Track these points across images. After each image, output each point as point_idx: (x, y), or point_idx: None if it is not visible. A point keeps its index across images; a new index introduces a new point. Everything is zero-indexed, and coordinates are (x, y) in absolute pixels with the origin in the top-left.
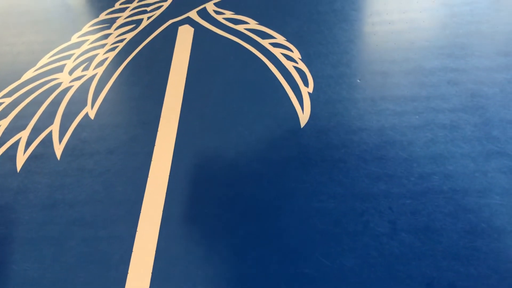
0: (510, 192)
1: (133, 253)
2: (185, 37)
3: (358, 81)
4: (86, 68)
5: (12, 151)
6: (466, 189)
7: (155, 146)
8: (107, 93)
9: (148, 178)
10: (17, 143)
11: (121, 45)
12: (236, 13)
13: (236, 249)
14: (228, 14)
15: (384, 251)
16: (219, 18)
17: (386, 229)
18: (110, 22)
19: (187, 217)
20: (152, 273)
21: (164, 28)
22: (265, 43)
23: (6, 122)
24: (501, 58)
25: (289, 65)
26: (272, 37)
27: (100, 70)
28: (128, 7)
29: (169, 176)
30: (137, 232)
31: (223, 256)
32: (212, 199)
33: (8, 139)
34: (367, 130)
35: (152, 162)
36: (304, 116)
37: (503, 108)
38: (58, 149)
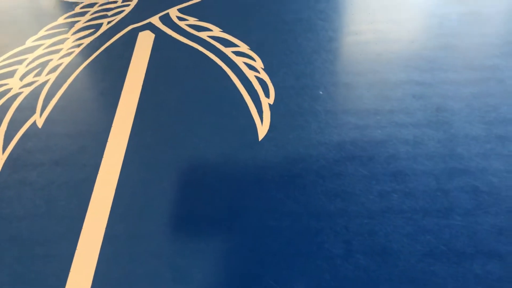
0: (471, 212)
1: (70, 274)
2: (145, 43)
3: (321, 93)
4: (38, 74)
5: None
6: (426, 208)
7: (103, 158)
8: (58, 101)
9: (93, 193)
10: None
11: (78, 50)
12: (200, 20)
13: (181, 271)
14: (192, 20)
15: (337, 274)
16: (182, 24)
17: (341, 251)
18: (68, 26)
19: (131, 236)
20: None
21: (124, 34)
22: (228, 51)
23: None
24: (468, 72)
25: (250, 74)
26: (235, 45)
27: (53, 76)
28: (89, 11)
29: (115, 191)
30: (76, 251)
31: (167, 278)
32: (160, 217)
33: None
34: (327, 144)
35: (98, 175)
36: (263, 128)
37: (468, 124)
38: (1, 159)
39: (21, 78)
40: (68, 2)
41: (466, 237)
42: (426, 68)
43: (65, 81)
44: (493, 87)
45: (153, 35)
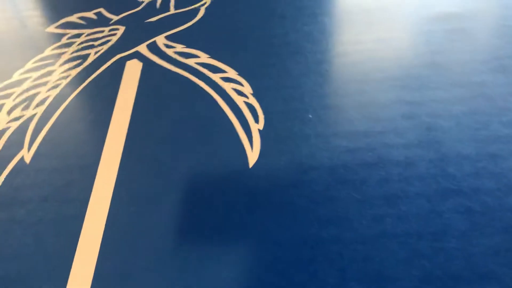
0: (466, 234)
1: None
2: (132, 72)
3: (310, 116)
4: (26, 108)
5: None
6: (420, 232)
7: (92, 193)
8: (46, 135)
9: (82, 229)
10: None
11: (65, 82)
12: (188, 47)
13: None
14: (179, 47)
15: None
16: (170, 52)
17: (336, 279)
18: (55, 57)
19: (122, 273)
20: None
21: (111, 63)
22: (216, 77)
23: None
24: (456, 89)
25: (239, 100)
26: (223, 71)
27: (41, 110)
28: (75, 42)
29: (105, 227)
30: None
31: None
32: (150, 253)
33: None
34: (318, 169)
35: (87, 210)
36: (253, 155)
37: (459, 142)
38: None
39: (9, 113)
40: (54, 33)
41: (462, 259)
42: (414, 86)
43: (52, 114)
44: (482, 104)
45: (140, 64)
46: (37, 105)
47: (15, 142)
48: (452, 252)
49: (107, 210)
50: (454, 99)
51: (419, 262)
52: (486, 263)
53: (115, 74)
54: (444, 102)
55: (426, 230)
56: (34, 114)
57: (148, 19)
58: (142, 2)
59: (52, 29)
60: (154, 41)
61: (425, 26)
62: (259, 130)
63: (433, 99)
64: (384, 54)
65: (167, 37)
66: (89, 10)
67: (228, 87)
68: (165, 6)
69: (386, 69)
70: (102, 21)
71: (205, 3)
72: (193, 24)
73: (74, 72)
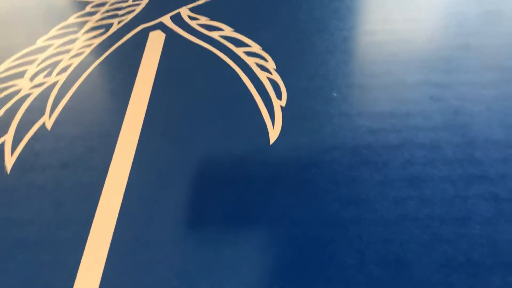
0: (491, 221)
1: (76, 279)
2: (155, 43)
3: (334, 94)
4: (48, 75)
5: None
6: (443, 216)
7: (111, 161)
8: (67, 102)
9: (101, 197)
10: None
11: (88, 50)
12: (212, 19)
13: (188, 279)
14: (203, 20)
15: (349, 285)
16: (193, 24)
17: (354, 260)
18: (79, 26)
19: (139, 242)
20: None
21: (134, 34)
22: (239, 51)
23: None
24: (488, 73)
25: (262, 76)
26: (247, 45)
27: (63, 77)
28: (99, 10)
29: (124, 194)
30: (83, 257)
31: (174, 286)
32: (167, 222)
33: None
34: (340, 149)
35: (107, 178)
36: (274, 132)
37: (488, 127)
38: (9, 162)
39: (31, 79)
40: (79, 1)
41: (485, 247)
42: (444, 69)
43: (75, 82)
44: None
45: (164, 35)
46: (60, 72)
47: (37, 108)
48: (476, 238)
49: (126, 179)
50: (485, 83)
51: (440, 247)
52: (510, 251)
53: (138, 44)
54: (474, 86)
55: (449, 215)
56: (56, 81)
57: None
58: None
59: None
60: (178, 13)
61: (458, 7)
62: (281, 107)
63: (462, 82)
64: (414, 35)
65: (191, 9)
66: None
67: (251, 61)
68: None
69: (415, 50)
70: None
71: None
72: None
73: (97, 41)
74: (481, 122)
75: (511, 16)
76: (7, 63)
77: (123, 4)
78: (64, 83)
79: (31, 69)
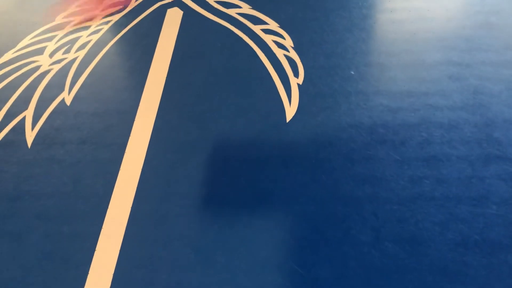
0: (508, 201)
1: (95, 252)
2: (173, 20)
3: (352, 73)
4: (67, 51)
5: None
6: (460, 196)
7: (129, 138)
8: (86, 78)
9: (119, 172)
10: None
11: (106, 27)
12: None
13: (203, 255)
14: None
15: (364, 262)
16: (211, 1)
17: (369, 237)
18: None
19: (156, 217)
20: (113, 275)
21: (152, 11)
22: (257, 29)
23: None
24: (509, 53)
25: (279, 53)
26: (264, 22)
27: (82, 54)
28: None
29: (141, 171)
30: (101, 230)
31: (189, 262)
32: (184, 198)
33: None
34: (357, 127)
35: (125, 155)
36: (291, 110)
37: (507, 107)
38: (30, 136)
39: (51, 55)
40: None
41: (502, 227)
42: (464, 48)
43: (93, 58)
44: None
45: (181, 12)
46: (79, 49)
47: (57, 84)
48: (492, 218)
49: (144, 156)
50: (506, 63)
51: (456, 226)
52: None
53: (156, 21)
54: (495, 65)
55: (466, 194)
56: (75, 58)
57: None
58: None
59: None
60: None
61: None
62: (298, 84)
63: (483, 61)
64: (434, 13)
65: None
66: None
67: (268, 39)
68: None
69: (435, 29)
70: None
71: None
72: None
73: (115, 18)
74: (501, 102)
75: None
76: (27, 40)
77: None
78: (83, 59)
79: (51, 46)
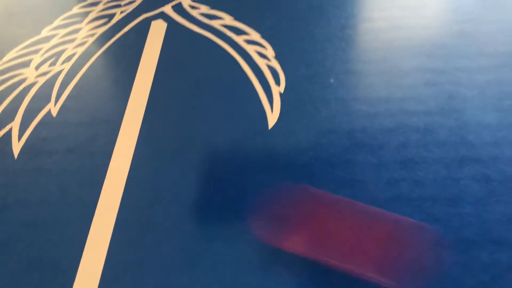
0: (482, 201)
1: (82, 259)
2: (157, 32)
3: (332, 81)
4: (53, 64)
5: None
6: (435, 197)
7: (115, 146)
8: (72, 90)
9: (105, 180)
10: None
11: (91, 40)
12: (212, 8)
13: (191, 258)
14: (204, 9)
15: None
16: (194, 13)
17: None
18: (83, 16)
19: (142, 223)
20: (100, 280)
21: (137, 23)
22: (240, 39)
23: None
24: (482, 58)
25: (262, 63)
26: (247, 33)
27: (67, 66)
28: (102, 1)
29: (127, 178)
30: (88, 237)
31: (176, 265)
32: (169, 205)
33: None
34: (337, 133)
35: (110, 162)
36: (273, 117)
37: (481, 111)
38: (17, 147)
39: (37, 68)
40: None
41: (475, 225)
42: (439, 55)
43: (79, 70)
44: (508, 74)
45: (165, 24)
46: (64, 61)
47: (43, 96)
48: (466, 217)
49: (129, 163)
50: (479, 69)
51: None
52: (499, 229)
53: (140, 33)
54: (469, 71)
55: (441, 195)
56: (61, 70)
57: None
58: None
59: None
60: (180, 2)
61: None
62: (280, 92)
63: (457, 67)
64: (410, 22)
65: None
66: None
67: (251, 49)
68: None
69: (411, 37)
70: None
71: None
72: None
73: (100, 31)
74: (475, 106)
75: (505, 3)
76: (13, 53)
77: None
78: (69, 71)
79: (37, 58)
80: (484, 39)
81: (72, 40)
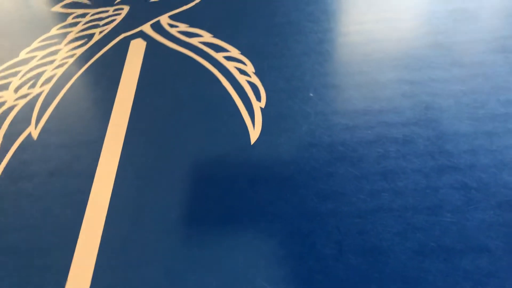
0: (461, 209)
1: (67, 283)
2: (136, 51)
3: (311, 95)
4: (32, 86)
5: None
6: (416, 206)
7: (97, 167)
8: (52, 112)
9: (88, 202)
10: None
11: (71, 61)
12: (191, 26)
13: (176, 276)
14: (183, 27)
15: (329, 275)
16: (173, 31)
17: (333, 251)
18: (61, 37)
19: (127, 244)
20: None
21: (116, 43)
22: (219, 56)
23: None
24: (456, 69)
25: (242, 79)
26: (226, 50)
27: (47, 88)
28: (81, 21)
29: (110, 200)
30: (72, 262)
31: (162, 284)
32: (154, 224)
33: None
34: (318, 146)
35: (93, 184)
36: (255, 132)
37: (457, 120)
38: None
39: (16, 91)
40: (60, 13)
41: (456, 233)
42: (415, 66)
43: (59, 92)
44: (482, 84)
45: (144, 43)
46: (44, 83)
47: (23, 119)
48: (446, 225)
49: (112, 184)
50: (453, 79)
51: (414, 236)
52: (479, 236)
53: (120, 53)
54: (443, 82)
55: (422, 205)
56: (41, 92)
57: None
58: None
59: (57, 8)
60: (158, 21)
61: (427, 6)
62: (261, 108)
63: (433, 78)
64: (385, 35)
65: (171, 17)
66: None
67: (231, 66)
68: None
69: (387, 50)
70: (107, 1)
71: None
72: (196, 4)
73: (79, 51)
74: (451, 116)
75: (476, 14)
76: None
77: (104, 14)
78: (49, 93)
79: (15, 81)
80: (458, 50)
81: (51, 62)
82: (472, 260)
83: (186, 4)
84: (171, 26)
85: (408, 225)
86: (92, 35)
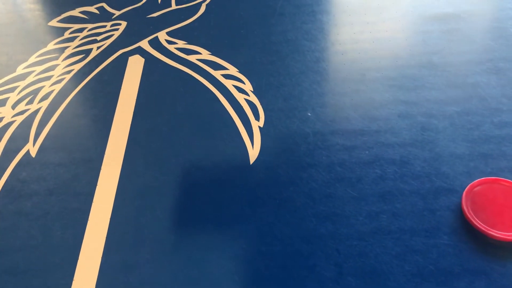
0: (457, 231)
1: None
2: (135, 67)
3: (309, 114)
4: (30, 102)
5: None
6: (414, 228)
7: (97, 186)
8: (50, 129)
9: (88, 221)
10: None
11: (68, 76)
12: (189, 43)
13: None
14: (181, 43)
15: None
16: (171, 48)
17: (332, 273)
18: (59, 52)
19: (127, 265)
20: None
21: (114, 59)
22: (217, 74)
23: None
24: (451, 90)
25: (240, 97)
26: (224, 68)
27: (45, 104)
28: (78, 36)
29: (110, 219)
30: (73, 283)
31: None
32: (154, 245)
33: None
34: (316, 167)
35: (93, 203)
36: (253, 152)
37: (452, 142)
38: None
39: (13, 107)
40: (57, 27)
41: (453, 256)
42: (410, 86)
43: (57, 108)
44: (476, 105)
45: (143, 59)
46: (42, 99)
47: (21, 136)
48: (444, 248)
49: (112, 203)
50: (448, 100)
51: (412, 258)
52: (475, 259)
53: (118, 69)
54: (439, 103)
55: (419, 227)
56: (39, 108)
57: (149, 14)
58: None
59: (54, 23)
60: (156, 37)
61: (422, 26)
62: (259, 127)
63: (428, 99)
64: (381, 54)
65: (168, 33)
66: (91, 4)
67: (229, 84)
68: (166, 2)
69: (383, 69)
70: (104, 16)
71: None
72: (194, 21)
73: (77, 67)
74: (447, 137)
75: (470, 34)
76: None
77: (102, 30)
78: (47, 110)
79: (13, 97)
80: (452, 71)
81: (49, 78)
82: (470, 282)
83: (184, 20)
84: (169, 42)
85: (406, 248)
86: (89, 51)
